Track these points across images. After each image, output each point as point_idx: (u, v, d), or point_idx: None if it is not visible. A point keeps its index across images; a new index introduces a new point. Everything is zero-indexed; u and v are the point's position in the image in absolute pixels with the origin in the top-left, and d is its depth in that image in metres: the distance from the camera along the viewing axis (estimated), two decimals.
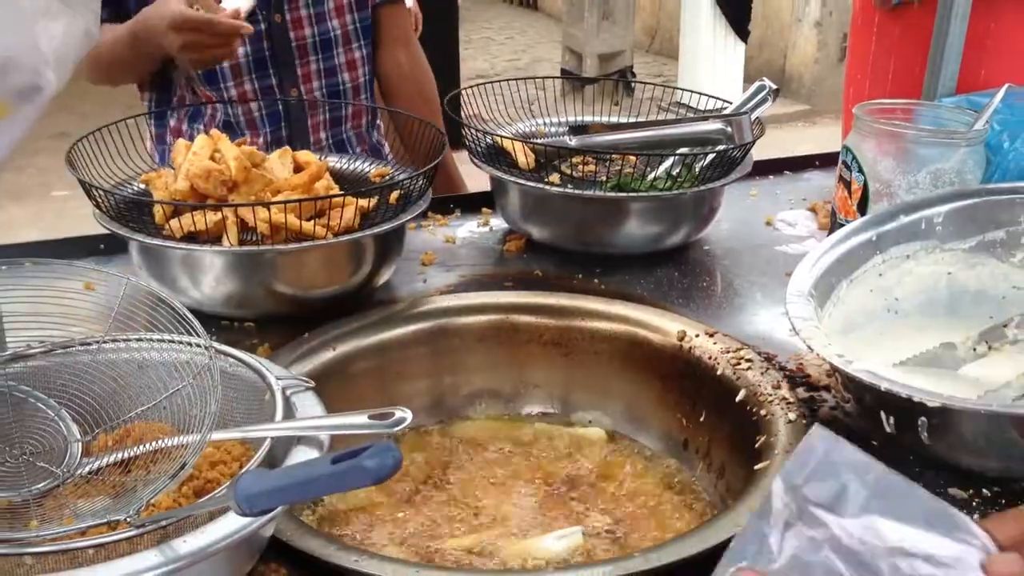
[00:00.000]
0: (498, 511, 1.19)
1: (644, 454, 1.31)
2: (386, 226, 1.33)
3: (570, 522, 1.17)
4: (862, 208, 1.42)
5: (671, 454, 1.30)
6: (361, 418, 0.88)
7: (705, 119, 1.61)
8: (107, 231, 1.32)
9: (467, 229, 1.68)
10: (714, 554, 0.94)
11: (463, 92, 1.73)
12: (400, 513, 1.19)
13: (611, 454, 1.31)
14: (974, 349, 1.23)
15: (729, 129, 1.57)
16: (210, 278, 1.29)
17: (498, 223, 1.68)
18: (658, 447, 1.32)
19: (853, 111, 1.44)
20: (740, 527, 0.97)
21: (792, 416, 1.14)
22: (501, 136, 1.59)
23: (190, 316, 0.95)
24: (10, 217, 4.16)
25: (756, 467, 1.09)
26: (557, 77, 1.76)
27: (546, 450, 1.31)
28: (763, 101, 1.62)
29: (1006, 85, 1.46)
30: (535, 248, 1.60)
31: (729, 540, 0.95)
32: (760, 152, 1.64)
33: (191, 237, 1.29)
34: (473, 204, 1.75)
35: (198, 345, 0.94)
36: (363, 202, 1.36)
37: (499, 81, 1.73)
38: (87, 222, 1.36)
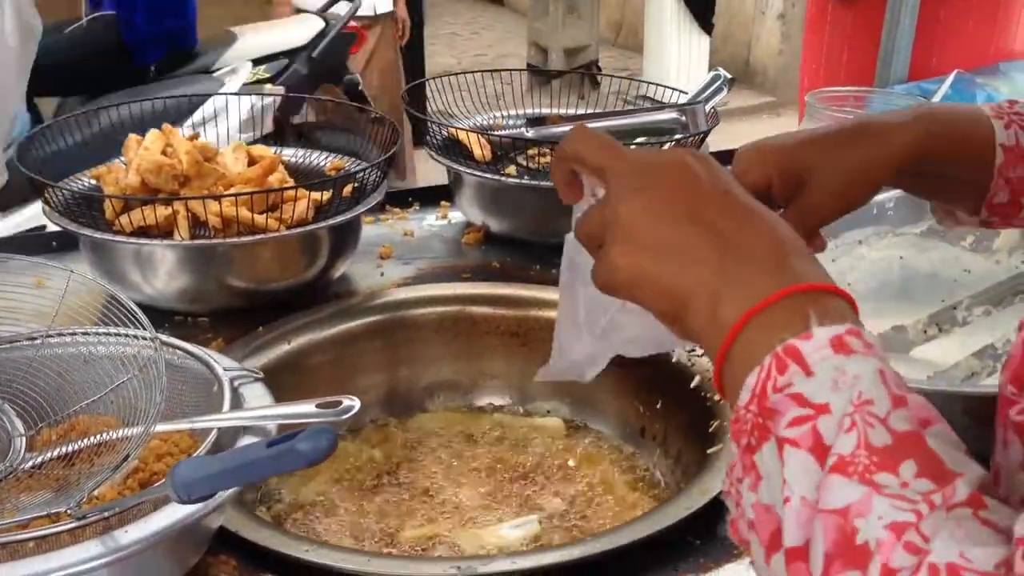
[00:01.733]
0: (455, 501, 1.19)
1: (601, 442, 1.31)
2: (340, 218, 1.32)
3: (527, 511, 1.17)
4: None
5: (628, 441, 1.30)
6: (308, 407, 0.88)
7: (661, 109, 1.62)
8: (58, 228, 1.31)
9: (425, 222, 1.68)
10: (666, 536, 0.95)
11: (428, 85, 1.73)
12: (357, 506, 1.18)
13: (568, 443, 1.31)
14: (925, 332, 1.25)
15: (684, 119, 1.58)
16: (162, 273, 1.28)
17: (456, 216, 1.68)
18: (615, 435, 1.32)
19: (806, 99, 1.45)
20: (691, 509, 0.97)
21: None
22: (457, 128, 1.58)
23: (135, 309, 0.94)
24: None
25: (709, 451, 1.09)
26: (521, 70, 1.76)
27: (504, 440, 1.31)
28: (719, 90, 1.63)
29: (955, 71, 1.48)
30: (493, 240, 1.59)
31: (679, 522, 0.96)
32: (725, 143, 1.65)
33: (142, 233, 1.28)
34: (431, 197, 1.75)
35: (144, 338, 0.93)
36: (317, 195, 1.36)
37: (461, 74, 1.73)
38: None
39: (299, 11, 4.12)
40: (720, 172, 0.59)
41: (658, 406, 1.29)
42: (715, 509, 0.98)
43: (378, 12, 4.36)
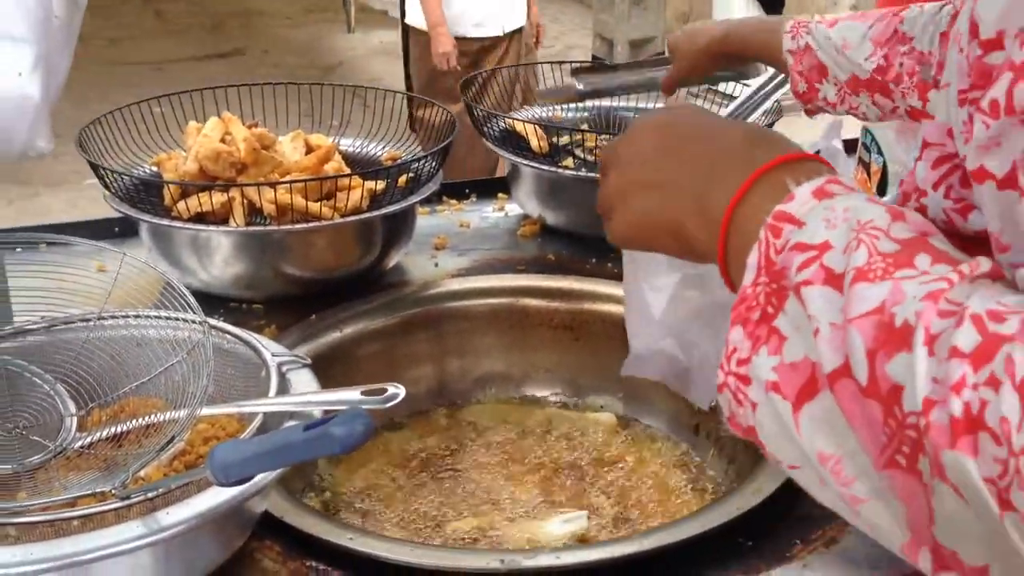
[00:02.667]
0: (503, 495, 1.18)
1: (654, 439, 1.29)
2: (394, 207, 1.31)
3: (576, 506, 1.16)
4: (881, 190, 1.38)
5: (682, 439, 1.28)
6: (354, 394, 0.87)
7: (728, 97, 1.58)
8: (119, 214, 1.32)
9: (482, 214, 1.67)
10: (717, 536, 0.93)
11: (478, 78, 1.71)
12: (405, 496, 1.17)
13: (620, 439, 1.29)
14: None
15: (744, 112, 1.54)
16: (218, 259, 1.29)
17: (513, 208, 1.66)
18: (669, 432, 1.29)
19: None
20: (743, 509, 0.95)
21: None
22: (515, 119, 1.57)
23: (186, 292, 0.94)
24: (45, 204, 4.22)
25: None
26: (584, 62, 1.73)
27: (554, 434, 1.29)
28: (781, 84, 1.59)
29: None
30: (549, 233, 1.58)
31: (731, 521, 0.93)
32: (791, 135, 1.60)
33: (199, 219, 1.29)
34: (488, 189, 1.73)
35: (193, 321, 0.93)
36: (372, 184, 1.35)
37: (524, 65, 1.72)
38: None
39: None
40: (683, 110, 0.68)
41: (713, 403, 1.25)
42: (769, 511, 0.95)
43: (507, 31, 3.64)
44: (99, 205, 1.35)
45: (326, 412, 0.90)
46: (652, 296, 1.08)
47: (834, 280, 0.49)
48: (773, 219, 0.53)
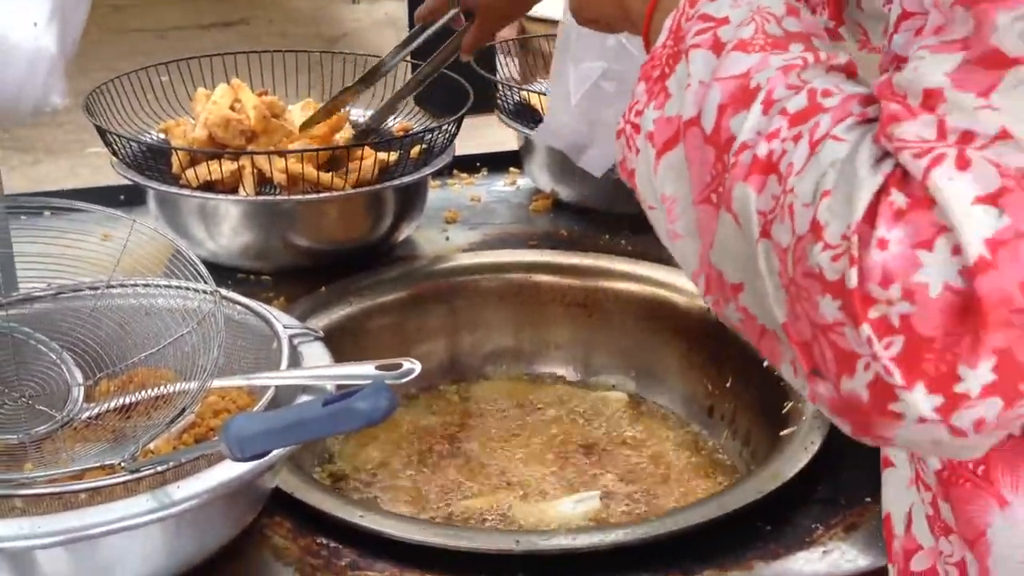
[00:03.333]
0: (515, 474, 1.16)
1: (667, 419, 1.27)
2: (406, 179, 1.29)
3: (588, 486, 1.14)
4: None
5: (695, 419, 1.26)
6: (368, 368, 0.85)
7: None
8: (127, 181, 1.30)
9: (493, 188, 1.64)
10: (734, 519, 0.91)
11: (498, 48, 1.68)
12: (413, 472, 1.16)
13: (633, 418, 1.27)
14: None
15: None
16: (226, 228, 1.27)
17: (525, 182, 1.64)
18: (682, 412, 1.27)
19: None
20: (762, 493, 0.93)
21: None
22: (529, 91, 1.54)
23: (196, 261, 0.92)
24: (46, 172, 4.18)
25: (782, 433, 1.04)
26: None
27: (566, 412, 1.27)
28: None
29: None
30: (562, 208, 1.55)
31: (749, 505, 0.91)
32: None
33: (208, 187, 1.26)
34: (500, 163, 1.70)
35: (204, 291, 0.91)
36: (384, 156, 1.33)
37: (532, 37, 1.69)
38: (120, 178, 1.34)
39: None
40: None
41: (727, 384, 1.24)
42: (787, 495, 0.94)
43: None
44: (100, 173, 1.33)
45: (339, 386, 0.88)
46: (574, 81, 1.30)
47: (718, 47, 0.56)
48: None
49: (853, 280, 0.45)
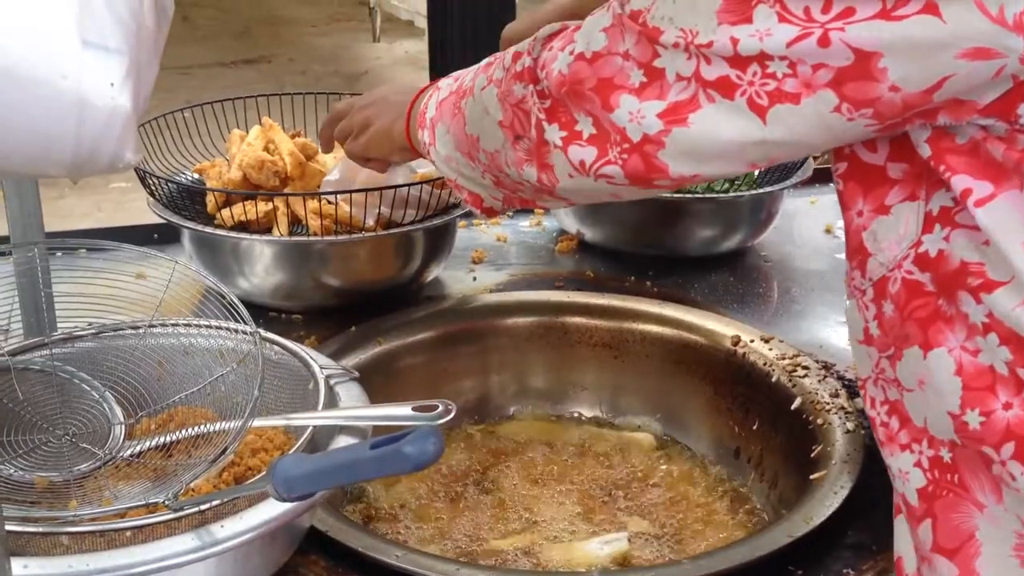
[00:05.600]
0: (543, 514, 1.17)
1: (694, 461, 1.28)
2: (436, 221, 1.31)
3: (616, 527, 1.14)
4: None
5: (722, 461, 1.26)
6: (405, 409, 0.86)
7: None
8: (161, 220, 1.32)
9: (518, 228, 1.66)
10: (766, 563, 0.91)
11: None
12: (443, 512, 1.17)
13: (659, 460, 1.27)
14: None
15: None
16: (260, 268, 1.29)
17: (550, 223, 1.66)
18: (708, 454, 1.28)
19: None
20: (794, 537, 0.93)
21: (850, 426, 1.10)
22: None
23: (237, 302, 0.94)
24: (69, 206, 4.23)
25: (812, 477, 1.05)
26: None
27: (593, 453, 1.28)
28: None
29: None
30: (587, 249, 1.57)
31: (781, 549, 0.92)
32: (823, 160, 1.60)
33: (242, 227, 1.28)
34: None
35: (244, 332, 0.93)
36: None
37: None
38: (145, 214, 1.37)
39: None
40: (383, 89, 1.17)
41: (754, 427, 1.24)
42: (819, 539, 0.94)
43: None
44: (123, 208, 1.37)
45: (375, 428, 0.90)
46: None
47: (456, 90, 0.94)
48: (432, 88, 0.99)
49: (528, 63, 0.81)
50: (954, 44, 0.59)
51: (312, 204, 1.24)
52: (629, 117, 0.70)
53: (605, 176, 0.74)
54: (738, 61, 0.64)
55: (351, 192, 1.26)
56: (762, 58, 0.63)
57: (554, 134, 0.76)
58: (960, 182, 0.62)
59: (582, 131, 0.74)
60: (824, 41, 0.61)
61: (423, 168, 1.33)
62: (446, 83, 0.96)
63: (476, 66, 0.92)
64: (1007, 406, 0.63)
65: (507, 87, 0.82)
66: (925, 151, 0.64)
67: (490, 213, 0.97)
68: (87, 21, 0.47)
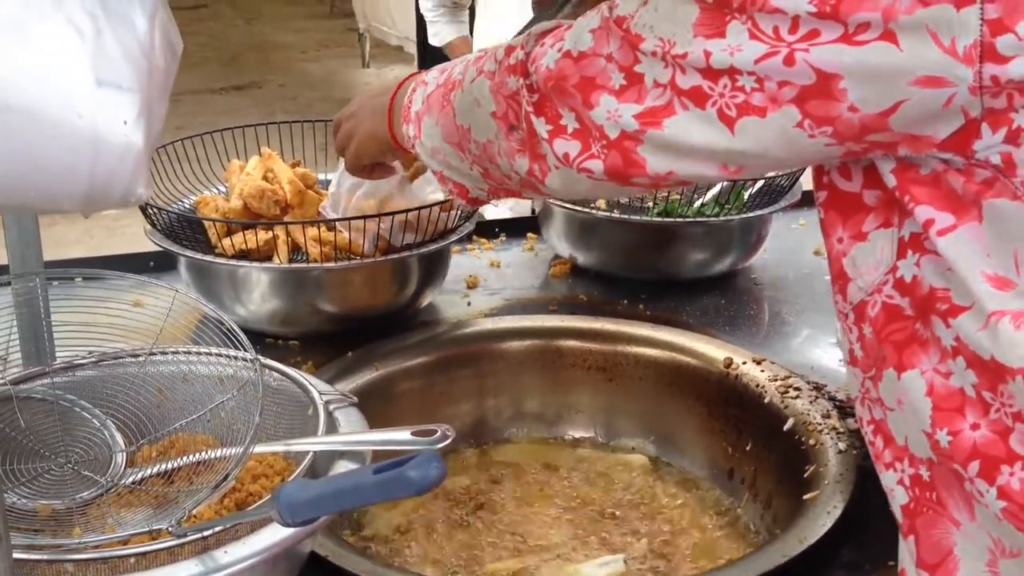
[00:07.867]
0: (539, 536, 1.18)
1: (687, 482, 1.29)
2: (431, 247, 1.33)
3: (612, 550, 1.15)
4: None
5: (716, 483, 1.28)
6: (404, 434, 0.88)
7: None
8: (158, 248, 1.34)
9: (512, 253, 1.68)
10: None
11: None
12: (440, 535, 1.17)
13: (654, 481, 1.29)
14: None
15: None
16: (256, 295, 1.30)
17: (543, 248, 1.67)
18: (702, 475, 1.29)
19: None
20: (788, 557, 0.95)
21: (842, 446, 1.11)
22: None
23: (237, 330, 0.95)
24: (60, 234, 4.24)
25: (805, 497, 1.06)
26: None
27: (588, 475, 1.29)
28: None
29: None
30: (580, 273, 1.59)
31: (775, 569, 0.93)
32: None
33: (243, 256, 1.30)
34: (518, 229, 1.75)
35: (244, 359, 0.94)
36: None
37: None
38: (137, 241, 1.38)
39: None
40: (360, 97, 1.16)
41: (748, 448, 1.26)
42: (813, 558, 0.95)
43: None
44: (115, 235, 1.38)
45: (375, 453, 0.91)
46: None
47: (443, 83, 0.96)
48: (413, 86, 1.00)
49: (521, 56, 0.83)
50: (909, 71, 0.62)
51: (312, 231, 1.26)
52: (607, 115, 0.74)
53: (586, 170, 0.77)
54: (710, 73, 0.67)
55: (350, 219, 1.27)
56: (732, 72, 0.66)
57: (541, 127, 0.79)
58: (923, 212, 0.65)
59: (566, 126, 0.78)
60: (790, 60, 0.64)
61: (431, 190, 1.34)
62: (432, 76, 0.97)
63: (463, 58, 0.94)
64: (974, 427, 0.65)
65: (500, 79, 0.85)
66: (891, 181, 0.67)
67: (475, 203, 1.00)
68: (101, 61, 0.48)
